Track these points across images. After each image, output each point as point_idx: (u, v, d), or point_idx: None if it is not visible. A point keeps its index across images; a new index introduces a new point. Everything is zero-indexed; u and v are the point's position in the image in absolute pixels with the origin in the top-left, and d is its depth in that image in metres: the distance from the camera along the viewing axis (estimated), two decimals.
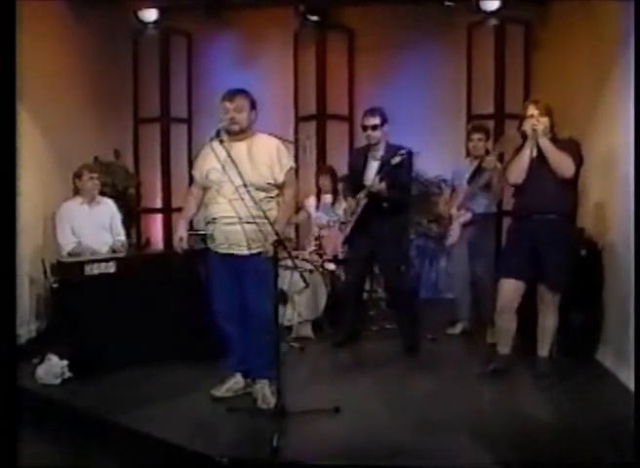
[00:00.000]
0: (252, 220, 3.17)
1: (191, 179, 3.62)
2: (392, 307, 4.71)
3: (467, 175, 4.68)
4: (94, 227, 4.59)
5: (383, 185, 4.13)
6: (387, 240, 4.27)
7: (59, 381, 3.72)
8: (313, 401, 3.32)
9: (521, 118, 3.66)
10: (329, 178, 5.34)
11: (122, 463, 2.99)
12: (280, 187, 3.33)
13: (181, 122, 6.60)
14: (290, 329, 4.72)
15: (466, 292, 4.83)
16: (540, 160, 3.52)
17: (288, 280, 4.65)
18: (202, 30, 6.48)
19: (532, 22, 5.99)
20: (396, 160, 4.12)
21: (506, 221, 4.57)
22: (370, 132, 4.27)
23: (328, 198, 5.37)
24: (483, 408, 3.38)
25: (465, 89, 6.28)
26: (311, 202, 5.50)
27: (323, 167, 5.71)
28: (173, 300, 4.09)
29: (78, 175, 4.60)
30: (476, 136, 4.74)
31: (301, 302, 4.76)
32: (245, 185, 3.12)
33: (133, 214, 6.03)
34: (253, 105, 3.34)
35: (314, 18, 6.18)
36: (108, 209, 4.74)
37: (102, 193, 4.81)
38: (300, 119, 6.50)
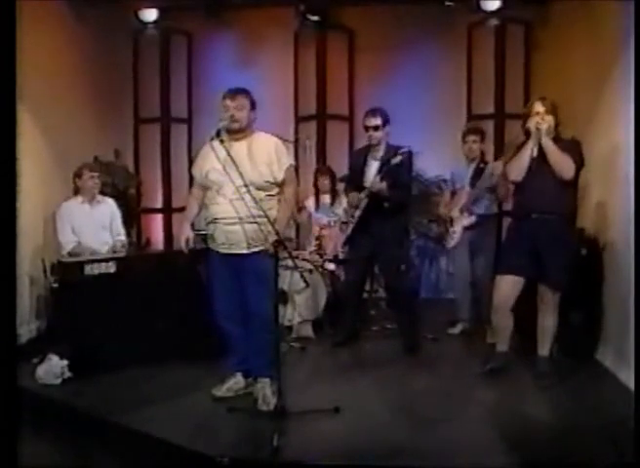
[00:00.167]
0: (252, 220, 3.17)
1: (191, 179, 3.63)
2: (392, 307, 4.71)
3: (468, 178, 4.68)
4: (94, 227, 4.59)
5: (384, 185, 4.13)
6: (388, 240, 4.28)
7: (59, 381, 3.72)
8: (313, 401, 3.32)
9: (526, 114, 3.64)
10: (328, 179, 5.34)
11: (122, 463, 2.99)
12: (280, 186, 3.34)
13: (181, 122, 6.60)
14: (290, 329, 4.72)
15: (467, 293, 4.83)
16: (541, 159, 3.52)
17: (288, 280, 4.65)
18: (202, 30, 6.48)
19: (532, 22, 5.99)
20: (397, 160, 4.12)
21: (507, 221, 4.58)
22: (372, 132, 4.27)
23: (327, 198, 5.38)
24: (483, 407, 3.37)
25: (465, 89, 6.28)
26: (311, 202, 5.50)
27: (322, 167, 5.70)
28: (173, 300, 4.09)
29: (78, 175, 4.60)
30: (471, 137, 4.73)
31: (302, 302, 4.76)
32: (245, 185, 3.13)
33: (133, 214, 6.03)
34: (253, 105, 3.35)
35: (314, 18, 6.18)
36: (109, 208, 4.74)
37: (103, 193, 4.80)
38: (300, 119, 6.50)
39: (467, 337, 4.76)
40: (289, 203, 3.41)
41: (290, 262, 4.07)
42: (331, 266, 5.08)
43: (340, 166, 5.41)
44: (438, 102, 6.22)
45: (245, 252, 3.27)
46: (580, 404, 3.35)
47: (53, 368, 3.74)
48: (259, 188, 3.23)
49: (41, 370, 3.75)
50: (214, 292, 3.44)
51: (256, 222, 3.16)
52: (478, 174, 4.63)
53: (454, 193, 4.84)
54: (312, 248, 5.25)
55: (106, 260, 4.06)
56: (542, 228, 3.53)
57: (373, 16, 6.22)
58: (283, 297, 4.65)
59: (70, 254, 4.38)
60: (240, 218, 3.21)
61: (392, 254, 4.34)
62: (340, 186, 5.19)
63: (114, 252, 4.53)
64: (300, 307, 4.75)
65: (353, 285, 4.58)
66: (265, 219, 3.10)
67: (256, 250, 3.25)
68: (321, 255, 5.12)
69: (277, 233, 3.07)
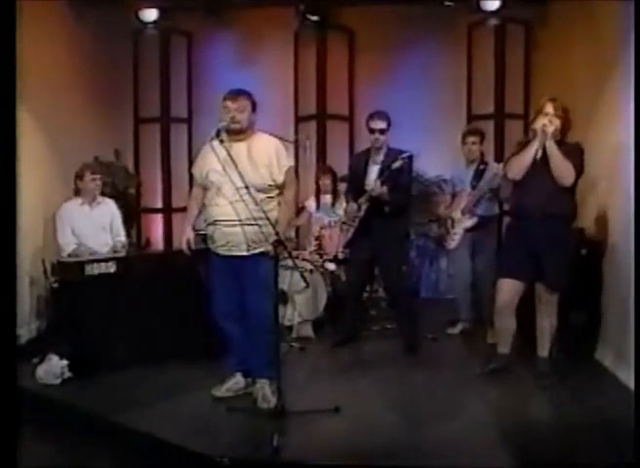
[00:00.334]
0: (252, 222, 3.17)
1: (191, 179, 3.63)
2: (393, 307, 4.71)
3: (469, 180, 4.68)
4: (94, 228, 4.58)
5: (385, 189, 4.13)
6: (388, 243, 4.28)
7: (59, 381, 3.72)
8: (313, 401, 3.33)
9: (535, 113, 3.62)
10: (329, 179, 5.34)
11: (122, 463, 2.99)
12: (280, 187, 3.34)
13: (181, 122, 6.60)
14: (290, 329, 4.72)
15: (467, 293, 4.84)
16: (543, 161, 3.50)
17: (288, 280, 4.65)
18: (202, 30, 6.48)
19: (532, 22, 5.99)
20: (397, 164, 4.12)
21: (507, 222, 4.58)
22: (378, 135, 4.25)
23: (328, 198, 5.38)
24: (483, 407, 3.37)
25: (465, 89, 6.28)
26: (311, 202, 5.50)
27: (323, 167, 5.71)
28: (173, 300, 4.09)
29: (80, 176, 4.59)
30: (470, 139, 4.73)
31: (302, 302, 4.76)
32: (245, 186, 3.13)
33: (133, 215, 6.03)
34: (254, 107, 3.35)
35: (314, 17, 6.17)
36: (109, 209, 4.74)
37: (103, 193, 4.80)
38: (300, 119, 6.50)
39: (467, 337, 4.76)
40: (289, 205, 3.41)
41: (290, 262, 4.08)
42: (331, 266, 5.08)
43: (341, 166, 5.41)
44: (438, 102, 6.23)
45: (245, 253, 3.27)
46: (579, 404, 3.35)
47: (53, 368, 3.74)
48: (259, 190, 3.23)
49: (41, 370, 3.76)
50: (213, 292, 3.44)
51: (256, 224, 3.16)
52: (478, 175, 4.63)
53: (454, 195, 4.84)
54: (312, 248, 5.25)
55: (106, 260, 4.06)
56: (542, 229, 3.52)
57: (373, 16, 6.22)
58: (283, 297, 4.65)
59: (70, 256, 4.37)
60: (240, 220, 3.21)
61: (393, 257, 4.34)
62: (342, 186, 5.19)
63: (114, 252, 4.53)
64: (300, 307, 4.76)
65: (354, 285, 4.58)
66: (266, 221, 3.10)
67: (256, 251, 3.25)
68: (321, 255, 5.12)
69: (277, 234, 3.06)
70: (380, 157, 4.32)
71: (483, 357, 3.98)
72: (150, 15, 6.14)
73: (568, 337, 3.89)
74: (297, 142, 6.12)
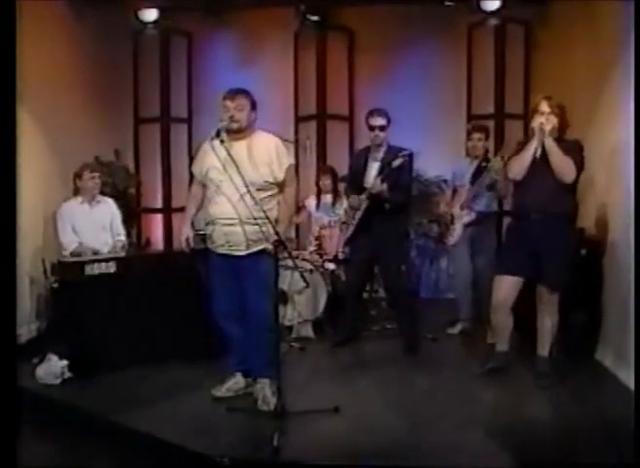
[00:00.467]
0: (252, 221, 3.17)
1: (192, 179, 3.63)
2: (392, 307, 4.71)
3: (469, 176, 4.68)
4: (94, 227, 4.59)
5: (384, 187, 4.13)
6: (388, 241, 4.28)
7: (59, 381, 3.72)
8: (313, 401, 3.33)
9: (531, 112, 3.63)
10: (330, 178, 5.34)
11: (122, 463, 2.99)
12: (280, 185, 3.34)
13: (181, 122, 6.60)
14: (290, 329, 4.72)
15: (467, 292, 4.84)
16: (542, 159, 3.51)
17: (288, 280, 4.65)
18: (202, 30, 6.48)
19: (532, 22, 5.99)
20: (398, 162, 4.12)
21: (507, 220, 4.58)
22: (377, 132, 4.27)
23: (328, 198, 5.37)
24: (483, 407, 3.38)
25: (465, 89, 6.28)
26: (312, 202, 5.50)
27: (324, 167, 5.71)
28: (173, 300, 4.09)
29: (79, 175, 4.60)
30: (476, 135, 4.74)
31: (302, 302, 4.76)
32: (245, 185, 3.12)
33: (133, 214, 6.03)
34: (253, 106, 3.34)
35: (314, 18, 6.17)
36: (109, 208, 4.74)
37: (102, 193, 4.80)
38: (300, 119, 6.50)
39: (467, 337, 4.76)
40: (289, 203, 3.41)
41: (290, 262, 4.07)
42: (331, 266, 5.08)
43: (341, 166, 5.41)
44: (438, 102, 6.23)
45: (244, 253, 3.27)
46: (579, 404, 3.35)
47: (53, 368, 3.74)
48: (259, 189, 3.23)
49: (41, 370, 3.76)
50: (213, 292, 3.44)
51: (256, 223, 3.16)
52: (479, 171, 4.63)
53: (455, 191, 4.84)
54: (312, 248, 5.25)
55: (106, 260, 4.06)
56: (542, 228, 3.53)
57: (373, 16, 6.22)
58: (283, 297, 4.65)
59: (72, 254, 4.38)
60: (240, 219, 3.21)
61: (392, 256, 4.34)
62: (342, 186, 5.19)
63: (114, 251, 4.53)
64: (300, 307, 4.76)
65: (353, 285, 4.58)
66: (265, 220, 3.09)
67: (255, 250, 3.25)
68: (321, 255, 5.12)
69: (277, 233, 3.07)
70: (380, 154, 4.32)
71: (483, 357, 3.97)
72: (150, 15, 6.14)
73: (568, 337, 3.89)
74: (297, 142, 6.13)
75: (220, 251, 3.34)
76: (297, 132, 6.42)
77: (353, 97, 6.48)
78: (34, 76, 4.42)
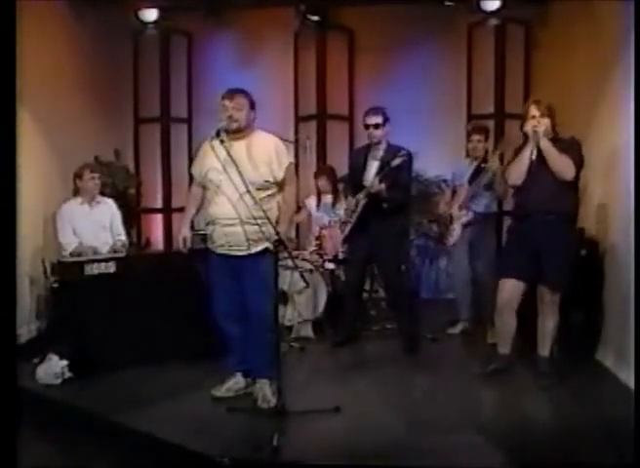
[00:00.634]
0: (252, 221, 3.17)
1: (191, 179, 3.63)
2: (392, 307, 4.71)
3: (468, 176, 4.68)
4: (94, 227, 4.59)
5: (383, 186, 4.13)
6: (386, 241, 4.28)
7: (59, 381, 3.72)
8: (313, 401, 3.33)
9: (523, 118, 3.64)
10: (326, 180, 5.32)
11: (122, 463, 2.99)
12: (280, 185, 3.34)
13: (181, 122, 6.60)
14: (290, 329, 4.72)
15: (467, 292, 4.84)
16: (540, 161, 3.51)
17: (288, 280, 4.65)
18: (202, 30, 6.47)
19: (532, 22, 5.99)
20: (396, 162, 4.12)
21: (507, 221, 4.58)
22: (372, 130, 4.28)
23: (328, 198, 5.37)
24: (483, 407, 3.38)
25: (465, 89, 6.28)
26: (312, 202, 5.50)
27: (321, 168, 5.68)
28: (173, 300, 4.09)
29: (79, 175, 4.59)
30: (476, 137, 4.74)
31: (302, 302, 4.76)
32: (245, 185, 3.12)
33: (133, 214, 6.03)
34: (252, 106, 3.35)
35: (314, 18, 6.18)
36: (108, 208, 4.74)
37: (102, 193, 4.80)
38: (300, 119, 6.50)
39: (467, 337, 4.76)
40: (290, 202, 3.41)
41: (290, 262, 4.07)
42: (331, 266, 5.08)
43: (341, 166, 5.41)
44: (438, 102, 6.22)
45: (245, 253, 3.27)
46: (580, 404, 3.35)
47: (53, 368, 3.74)
48: (258, 188, 3.23)
49: (41, 370, 3.75)
50: (213, 292, 3.44)
51: (256, 223, 3.16)
52: (479, 172, 4.63)
53: (454, 191, 4.84)
54: (312, 248, 5.25)
55: (106, 260, 4.06)
56: (543, 229, 3.52)
57: (373, 16, 6.22)
58: (283, 297, 4.65)
59: (72, 255, 4.38)
60: (240, 219, 3.21)
61: (390, 255, 4.34)
62: (342, 186, 5.19)
63: (115, 251, 4.53)
64: (300, 307, 4.76)
65: (352, 285, 4.58)
66: (265, 220, 3.09)
67: (256, 250, 3.25)
68: (321, 255, 5.11)
69: (277, 233, 3.07)
70: (380, 153, 4.32)
71: (483, 357, 3.97)
72: (150, 15, 6.14)
73: (568, 338, 3.89)
74: (297, 142, 6.13)
75: (221, 251, 3.34)
76: (297, 132, 6.42)
77: (353, 97, 6.48)
78: (34, 76, 4.42)
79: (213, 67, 6.57)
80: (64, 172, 4.89)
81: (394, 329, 4.68)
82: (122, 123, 6.42)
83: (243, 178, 3.11)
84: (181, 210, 3.81)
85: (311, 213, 5.49)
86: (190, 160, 5.79)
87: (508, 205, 4.28)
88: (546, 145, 3.48)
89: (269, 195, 3.31)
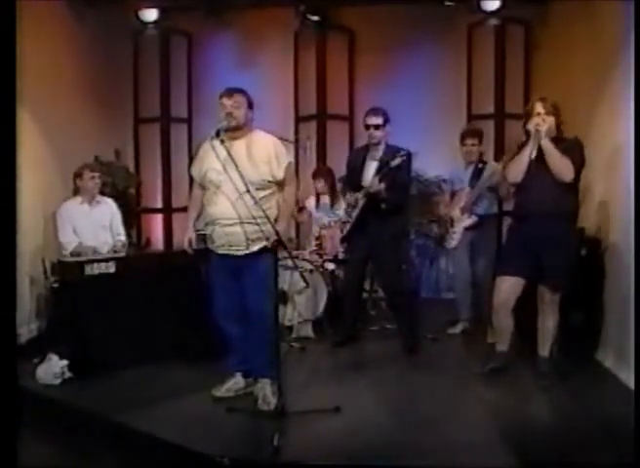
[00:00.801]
0: (252, 221, 3.17)
1: (192, 179, 3.63)
2: (392, 307, 4.71)
3: (468, 179, 4.68)
4: (94, 227, 4.59)
5: (382, 186, 4.13)
6: (385, 241, 4.28)
7: (59, 381, 3.72)
8: (313, 401, 3.33)
9: (527, 114, 3.62)
10: (323, 181, 5.32)
11: (122, 463, 2.99)
12: (280, 184, 3.34)
13: (181, 122, 6.60)
14: (290, 329, 4.72)
15: (467, 292, 4.84)
16: (540, 160, 3.50)
17: (288, 280, 4.65)
18: (202, 30, 6.48)
19: (532, 22, 5.99)
20: (396, 162, 4.12)
21: (507, 221, 4.58)
22: (372, 131, 4.28)
23: (326, 199, 5.37)
24: (483, 407, 3.37)
25: (465, 89, 6.28)
26: (312, 202, 5.50)
27: (319, 169, 5.66)
28: (173, 300, 4.09)
29: (79, 175, 4.60)
30: (469, 141, 4.73)
31: (302, 302, 4.76)
32: (245, 185, 3.12)
33: (133, 214, 6.03)
34: (250, 105, 3.36)
35: (314, 18, 6.18)
36: (108, 208, 4.74)
37: (102, 193, 4.80)
38: (300, 119, 6.50)
39: (468, 337, 4.76)
40: (289, 201, 3.41)
41: (290, 262, 4.07)
42: (331, 266, 5.08)
43: (341, 166, 5.38)
44: (438, 102, 6.22)
45: (245, 252, 3.27)
46: (580, 404, 3.35)
47: (53, 368, 3.74)
48: (258, 188, 3.23)
49: (41, 370, 3.76)
50: (213, 292, 3.44)
51: (256, 223, 3.16)
52: (477, 174, 4.64)
53: (453, 194, 4.84)
54: (312, 248, 5.25)
55: (106, 260, 4.06)
56: (543, 229, 3.52)
57: (373, 16, 6.22)
58: (283, 297, 4.65)
59: (72, 254, 4.38)
60: (240, 219, 3.21)
61: (390, 255, 4.34)
62: (341, 187, 5.19)
63: (115, 251, 4.53)
64: (300, 307, 4.76)
65: (352, 285, 4.58)
66: (265, 220, 3.09)
67: (255, 250, 3.25)
68: (321, 255, 5.12)
69: (277, 233, 3.07)
70: (379, 153, 4.32)
71: (484, 357, 3.97)
72: (150, 15, 6.14)
73: (568, 338, 3.89)
74: (297, 142, 6.12)
75: (221, 251, 3.34)
76: (297, 132, 6.42)
77: (353, 98, 6.48)
78: (34, 76, 4.42)
79: (213, 67, 6.57)
80: (64, 172, 4.89)
81: (394, 329, 4.67)
82: (122, 123, 6.42)
83: (243, 178, 3.11)
84: (181, 210, 3.81)
85: (312, 213, 5.49)
86: (190, 160, 5.79)
87: (509, 205, 4.27)
88: (547, 145, 3.47)
89: (269, 195, 3.31)
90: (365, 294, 5.03)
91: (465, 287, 4.83)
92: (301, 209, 5.62)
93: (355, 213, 4.34)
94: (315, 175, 5.43)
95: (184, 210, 3.71)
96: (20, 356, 2.87)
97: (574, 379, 3.69)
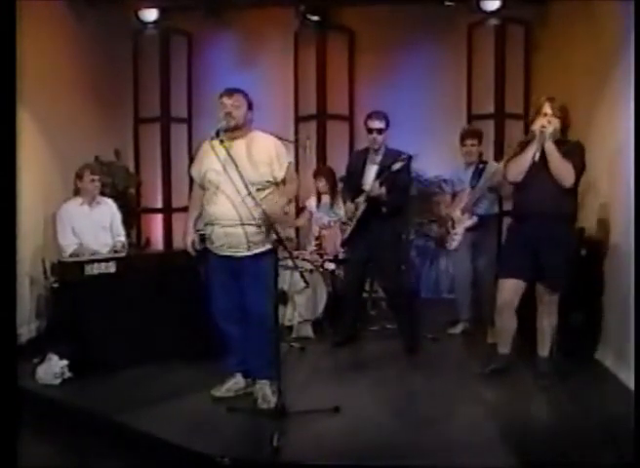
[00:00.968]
0: (252, 222, 3.17)
1: (192, 179, 3.63)
2: (392, 307, 4.71)
3: (468, 180, 4.68)
4: (94, 228, 4.59)
5: (383, 190, 4.13)
6: (385, 244, 4.28)
7: (59, 381, 3.72)
8: (313, 401, 3.32)
9: (534, 113, 3.59)
10: (324, 181, 5.32)
11: (122, 463, 2.99)
12: (280, 184, 3.34)
13: (181, 122, 6.60)
14: (290, 329, 4.72)
15: (467, 293, 4.84)
16: (542, 162, 3.48)
17: (288, 280, 4.65)
18: (202, 30, 6.48)
19: (532, 22, 6.00)
20: (397, 166, 4.11)
21: (507, 221, 4.57)
22: (376, 135, 4.26)
23: (327, 198, 5.37)
24: (483, 407, 3.37)
25: (465, 89, 6.28)
26: (312, 202, 5.50)
27: (320, 169, 5.67)
28: (173, 300, 4.09)
29: (79, 176, 4.59)
30: (469, 141, 4.72)
31: (302, 302, 4.76)
32: (245, 185, 3.12)
33: (133, 214, 6.03)
34: (250, 106, 3.36)
35: (314, 18, 6.18)
36: (108, 209, 4.74)
37: (102, 193, 4.80)
38: (300, 119, 6.50)
39: (468, 337, 4.76)
40: (288, 196, 3.40)
41: (290, 262, 4.07)
42: (331, 266, 5.08)
43: (340, 166, 5.40)
44: (438, 102, 6.23)
45: (245, 253, 3.27)
46: (580, 404, 3.35)
47: (53, 368, 3.74)
48: (258, 188, 3.23)
49: (41, 370, 3.75)
50: (213, 292, 3.44)
51: (257, 224, 3.16)
52: (478, 174, 4.63)
53: (454, 195, 4.84)
54: (312, 248, 5.25)
55: (106, 260, 4.06)
56: (543, 230, 3.52)
57: (373, 16, 6.22)
58: (283, 297, 4.65)
59: (71, 257, 4.37)
60: (241, 220, 3.21)
61: (390, 257, 4.34)
62: (341, 186, 5.19)
63: (114, 252, 4.53)
64: (300, 307, 4.76)
65: (352, 285, 4.58)
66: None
67: (255, 251, 3.25)
68: (321, 255, 5.12)
69: (277, 233, 3.06)
70: (379, 157, 4.32)
71: (484, 357, 3.97)
72: (150, 15, 6.14)
73: (568, 338, 3.89)
74: (297, 142, 6.12)
75: (221, 251, 3.34)
76: (297, 132, 6.42)
77: (353, 98, 6.48)
78: (34, 76, 4.42)
79: (213, 67, 6.57)
80: (64, 172, 4.90)
81: (394, 329, 4.67)
82: (122, 123, 6.42)
83: (243, 178, 3.11)
84: (181, 210, 3.81)
85: (312, 213, 5.49)
86: (190, 160, 5.79)
87: (509, 205, 4.27)
88: (551, 149, 3.44)
89: (269, 194, 3.30)
90: (365, 294, 5.03)
91: (466, 287, 4.83)
92: (301, 209, 5.62)
93: (356, 217, 4.34)
94: (316, 175, 5.43)
95: (184, 210, 3.71)
96: (20, 356, 2.88)
97: (574, 379, 3.69)
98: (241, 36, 6.56)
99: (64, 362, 3.75)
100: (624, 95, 3.61)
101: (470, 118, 6.18)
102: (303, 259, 4.92)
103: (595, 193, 4.22)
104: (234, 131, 3.29)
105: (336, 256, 5.07)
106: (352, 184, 4.44)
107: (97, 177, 4.63)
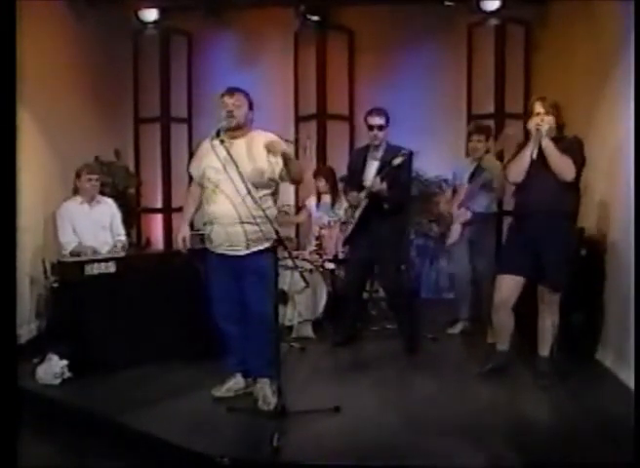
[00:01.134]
0: (252, 221, 3.17)
1: (191, 178, 3.63)
2: (392, 307, 4.71)
3: (467, 175, 4.69)
4: (94, 227, 4.59)
5: (384, 186, 4.13)
6: (387, 241, 4.27)
7: (58, 381, 3.72)
8: (313, 401, 3.32)
9: (527, 114, 3.61)
10: (324, 180, 5.32)
11: (122, 463, 2.99)
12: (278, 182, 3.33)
13: (181, 122, 6.61)
14: (290, 329, 4.72)
15: (467, 292, 4.84)
16: (541, 160, 3.49)
17: (288, 280, 4.65)
18: (202, 30, 6.48)
19: (532, 23, 5.99)
20: (398, 161, 4.12)
21: (507, 221, 4.58)
22: (376, 131, 4.27)
23: (327, 198, 5.37)
24: (483, 407, 3.37)
25: (465, 89, 6.28)
26: (312, 202, 5.51)
27: (320, 169, 5.67)
28: (173, 300, 4.09)
29: (78, 175, 4.60)
30: (476, 137, 4.72)
31: (302, 302, 4.76)
32: (245, 184, 3.12)
33: (133, 214, 6.03)
34: (250, 106, 3.36)
35: (314, 18, 6.18)
36: (108, 208, 4.74)
37: (102, 193, 4.81)
38: (300, 119, 6.51)
39: (467, 337, 4.76)
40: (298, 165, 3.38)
41: (290, 262, 4.07)
42: (331, 266, 5.08)
43: (341, 166, 5.40)
44: (438, 102, 6.23)
45: (244, 253, 3.27)
46: (580, 404, 3.35)
47: (53, 368, 3.74)
48: (258, 187, 3.22)
49: (41, 370, 3.75)
50: (213, 292, 3.44)
51: (256, 223, 3.16)
52: (478, 172, 4.63)
53: (455, 190, 4.84)
54: (312, 248, 5.25)
55: (106, 260, 4.06)
56: (543, 228, 3.52)
57: (373, 16, 6.22)
58: (283, 297, 4.65)
59: (72, 254, 4.38)
60: (240, 219, 3.21)
61: (390, 255, 4.34)
62: (342, 186, 5.19)
63: (115, 251, 4.53)
64: (300, 307, 4.76)
65: (353, 284, 4.58)
66: (265, 219, 3.09)
67: (255, 250, 3.25)
68: (321, 255, 5.12)
69: (277, 233, 3.07)
70: (380, 153, 4.32)
71: (483, 357, 3.97)
72: (150, 15, 6.14)
73: (568, 337, 3.89)
74: (297, 142, 6.12)
75: (220, 251, 3.34)
76: (297, 132, 6.42)
77: (353, 97, 6.48)
78: (34, 76, 4.42)
79: (213, 67, 6.57)
80: (64, 172, 4.90)
81: (394, 329, 4.67)
82: (122, 123, 6.42)
83: (242, 177, 3.10)
84: (181, 209, 3.81)
85: (312, 212, 5.49)
86: (191, 160, 5.80)
87: (509, 205, 4.27)
88: (548, 145, 3.46)
89: (268, 194, 3.30)
90: (365, 294, 5.03)
91: (465, 286, 4.83)
92: (300, 208, 5.62)
93: (357, 213, 4.34)
94: (316, 175, 5.43)
95: (183, 209, 3.70)
96: (20, 356, 2.87)
97: (574, 379, 3.69)
98: (241, 36, 6.56)
99: (64, 362, 3.75)
100: (624, 95, 3.61)
101: (470, 118, 6.17)
102: (303, 259, 4.92)
103: (595, 192, 4.22)
104: (235, 130, 3.29)
105: (335, 256, 5.07)
106: (353, 181, 4.44)
107: (94, 177, 4.64)
